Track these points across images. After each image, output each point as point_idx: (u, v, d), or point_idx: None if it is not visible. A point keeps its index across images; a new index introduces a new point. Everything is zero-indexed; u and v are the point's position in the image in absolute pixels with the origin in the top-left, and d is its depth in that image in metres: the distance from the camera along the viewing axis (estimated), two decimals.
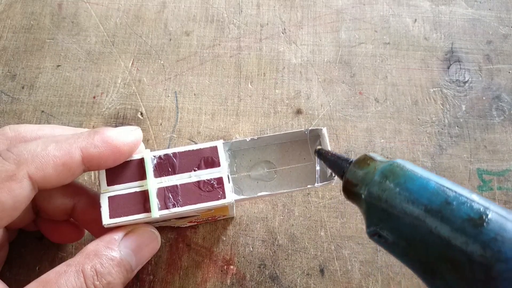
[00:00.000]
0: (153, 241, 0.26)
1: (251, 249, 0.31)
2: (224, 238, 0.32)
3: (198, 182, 0.25)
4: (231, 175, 0.27)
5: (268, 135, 0.27)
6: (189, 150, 0.26)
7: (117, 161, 0.25)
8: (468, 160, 0.34)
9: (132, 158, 0.26)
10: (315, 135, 0.27)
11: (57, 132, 0.27)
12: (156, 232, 0.27)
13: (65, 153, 0.23)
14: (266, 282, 0.30)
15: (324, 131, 0.26)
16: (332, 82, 0.36)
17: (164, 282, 0.30)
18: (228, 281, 0.30)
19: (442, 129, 0.35)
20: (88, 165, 0.24)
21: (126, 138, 0.25)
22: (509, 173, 0.33)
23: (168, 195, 0.25)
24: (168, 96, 0.36)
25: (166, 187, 0.25)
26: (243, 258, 0.31)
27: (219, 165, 0.25)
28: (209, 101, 0.35)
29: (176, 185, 0.25)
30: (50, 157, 0.23)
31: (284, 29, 0.38)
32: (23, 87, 0.36)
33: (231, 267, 0.31)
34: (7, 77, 0.36)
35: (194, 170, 0.25)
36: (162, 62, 0.37)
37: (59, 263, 0.25)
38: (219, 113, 0.35)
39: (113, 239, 0.25)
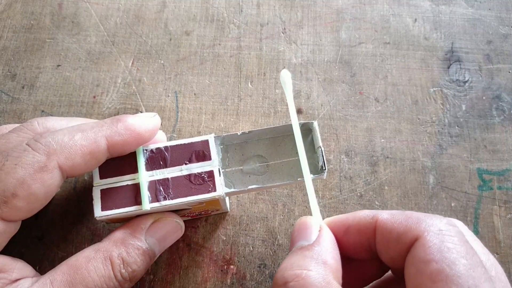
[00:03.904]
0: (177, 231, 0.27)
1: (251, 249, 0.31)
2: (224, 238, 0.32)
3: (189, 175, 0.25)
4: (223, 169, 0.27)
5: (260, 129, 0.27)
6: (180, 144, 0.26)
7: (138, 146, 0.26)
8: (468, 160, 0.34)
9: None
10: (307, 128, 0.27)
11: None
12: (181, 222, 0.27)
13: (91, 142, 0.24)
14: (266, 281, 0.30)
15: (315, 124, 0.26)
16: (332, 82, 0.36)
17: (164, 282, 0.30)
18: (228, 280, 0.30)
19: (442, 128, 0.35)
20: (113, 152, 0.25)
21: (147, 125, 0.26)
22: (509, 173, 0.33)
23: (159, 188, 0.25)
24: (168, 95, 0.36)
25: (158, 180, 0.25)
26: (243, 258, 0.31)
27: (210, 159, 0.26)
28: (209, 101, 0.35)
29: (167, 178, 0.25)
30: (78, 146, 0.24)
31: (284, 28, 0.38)
32: (23, 87, 0.36)
33: (231, 266, 0.31)
34: (7, 77, 0.36)
35: (185, 164, 0.26)
36: (162, 61, 0.37)
37: (59, 263, 0.25)
38: (219, 113, 0.35)
39: (140, 228, 0.25)
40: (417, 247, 0.20)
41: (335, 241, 0.22)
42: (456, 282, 0.18)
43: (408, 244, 0.20)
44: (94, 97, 0.36)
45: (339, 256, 0.22)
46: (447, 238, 0.20)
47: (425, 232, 0.20)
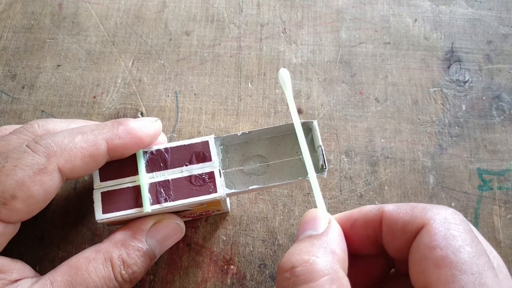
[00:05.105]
0: (177, 232, 0.27)
1: (252, 249, 0.31)
2: (224, 238, 0.32)
3: (190, 176, 0.25)
4: (223, 169, 0.27)
5: (259, 129, 0.27)
6: (181, 145, 0.26)
7: (138, 150, 0.26)
8: (468, 160, 0.34)
9: None
10: (307, 128, 0.27)
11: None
12: (182, 224, 0.28)
13: (91, 144, 0.24)
14: (266, 281, 0.30)
15: (315, 123, 0.26)
16: (332, 82, 0.36)
17: (164, 282, 0.30)
18: (229, 280, 0.30)
19: (442, 129, 0.35)
20: (112, 155, 0.25)
21: (148, 130, 0.26)
22: (509, 173, 0.33)
23: (160, 190, 0.25)
24: (169, 95, 0.36)
25: (158, 182, 0.25)
26: (243, 258, 0.31)
27: (210, 160, 0.26)
28: (209, 101, 0.35)
29: (168, 180, 0.25)
30: (77, 149, 0.24)
31: (284, 29, 0.38)
32: (23, 87, 0.36)
33: (232, 266, 0.31)
34: (7, 77, 0.36)
35: (186, 165, 0.26)
36: (162, 61, 0.37)
37: (59, 263, 0.25)
38: (219, 113, 0.35)
39: (140, 229, 0.26)
40: (423, 234, 0.20)
41: (342, 234, 0.22)
42: (460, 269, 0.18)
43: (414, 232, 0.21)
44: (94, 97, 0.36)
45: (346, 248, 0.22)
46: (453, 226, 0.20)
47: (431, 220, 0.20)
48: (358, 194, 0.33)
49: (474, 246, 0.19)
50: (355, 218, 0.23)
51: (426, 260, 0.19)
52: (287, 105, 0.35)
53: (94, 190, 0.25)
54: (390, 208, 0.22)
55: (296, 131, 0.25)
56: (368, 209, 0.23)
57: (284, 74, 0.25)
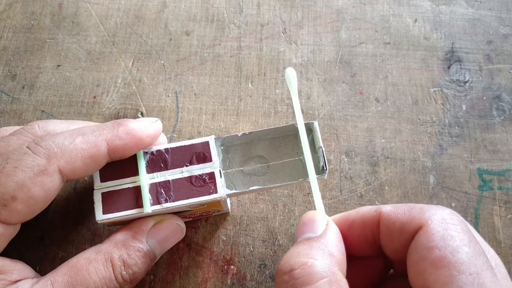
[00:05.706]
0: (178, 233, 0.27)
1: (252, 249, 0.31)
2: (225, 238, 0.32)
3: (190, 177, 0.25)
4: (224, 170, 0.27)
5: (260, 129, 0.27)
6: (181, 146, 0.26)
7: (138, 150, 0.26)
8: (468, 160, 0.34)
9: None
10: (307, 129, 0.27)
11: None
12: (182, 224, 0.28)
13: (92, 145, 0.24)
14: (266, 282, 0.30)
15: (316, 124, 0.26)
16: (333, 82, 0.36)
17: (165, 282, 0.30)
18: (229, 281, 0.31)
19: (442, 129, 0.35)
20: (113, 155, 0.25)
21: (148, 130, 0.26)
22: (509, 173, 0.33)
23: (160, 191, 0.25)
24: (169, 96, 0.36)
25: (159, 182, 0.25)
26: (243, 258, 0.31)
27: (210, 160, 0.26)
28: (209, 101, 0.35)
29: (168, 181, 0.25)
30: (78, 150, 0.24)
31: (285, 29, 0.38)
32: (23, 87, 0.36)
33: (232, 267, 0.31)
34: (7, 77, 0.36)
35: (186, 166, 0.26)
36: (162, 62, 0.37)
37: (59, 263, 0.25)
38: (220, 113, 0.35)
39: (141, 230, 0.26)
40: (421, 235, 0.20)
41: (341, 236, 0.22)
42: (458, 269, 0.18)
43: (412, 233, 0.21)
44: (94, 97, 0.36)
45: (344, 250, 0.22)
46: (451, 227, 0.20)
47: (428, 220, 0.20)
48: (358, 194, 0.33)
49: (472, 246, 0.19)
50: (353, 219, 0.23)
51: (424, 260, 0.19)
52: (288, 105, 0.35)
53: (94, 191, 0.25)
54: (388, 209, 0.22)
55: (299, 132, 0.25)
56: (366, 210, 0.23)
57: (291, 74, 0.25)
